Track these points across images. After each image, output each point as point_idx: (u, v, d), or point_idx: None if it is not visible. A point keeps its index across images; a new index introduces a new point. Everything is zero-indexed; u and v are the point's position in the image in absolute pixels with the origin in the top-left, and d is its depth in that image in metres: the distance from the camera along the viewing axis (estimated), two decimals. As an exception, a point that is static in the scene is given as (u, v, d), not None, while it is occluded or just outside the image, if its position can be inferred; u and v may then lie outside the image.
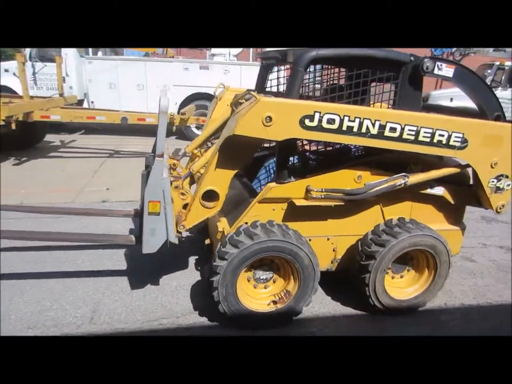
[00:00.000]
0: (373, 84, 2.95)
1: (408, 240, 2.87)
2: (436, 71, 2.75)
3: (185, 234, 3.30)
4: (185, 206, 2.93)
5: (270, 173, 3.60)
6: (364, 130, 2.55)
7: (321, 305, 3.26)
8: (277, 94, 3.30)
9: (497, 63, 11.45)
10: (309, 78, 3.50)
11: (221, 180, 2.74)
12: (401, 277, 3.22)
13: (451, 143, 2.71)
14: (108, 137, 9.94)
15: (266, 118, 2.40)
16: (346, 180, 2.84)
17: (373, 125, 2.55)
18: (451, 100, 10.73)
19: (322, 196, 2.75)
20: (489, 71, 11.43)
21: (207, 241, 3.43)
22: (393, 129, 2.59)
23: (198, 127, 9.31)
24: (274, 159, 3.22)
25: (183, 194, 2.98)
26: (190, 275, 3.61)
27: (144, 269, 3.63)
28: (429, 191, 3.03)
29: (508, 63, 11.28)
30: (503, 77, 11.30)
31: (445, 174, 2.94)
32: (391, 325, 3.07)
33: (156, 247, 2.80)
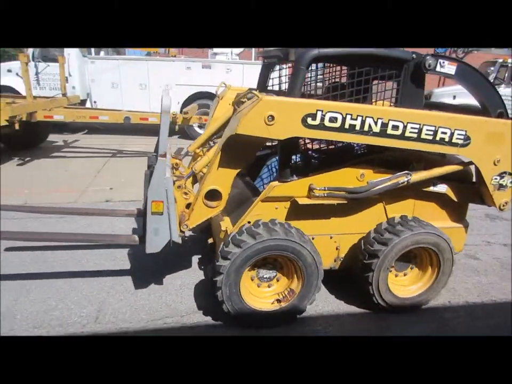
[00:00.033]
0: (375, 81, 2.95)
1: (411, 238, 2.87)
2: (438, 69, 2.74)
3: (188, 233, 3.32)
4: (188, 206, 2.93)
5: (272, 171, 3.60)
6: (366, 128, 2.55)
7: (325, 303, 3.27)
8: (279, 93, 3.30)
9: (500, 60, 11.40)
10: (310, 77, 3.51)
11: (224, 179, 2.74)
12: (405, 274, 3.22)
13: (454, 140, 2.71)
14: (110, 137, 9.96)
15: (268, 117, 2.40)
16: (349, 178, 2.84)
17: (375, 123, 2.55)
18: (454, 97, 10.69)
19: (325, 194, 2.76)
20: (492, 68, 11.39)
21: (210, 241, 3.43)
22: (395, 127, 2.59)
23: (200, 126, 9.32)
24: (277, 157, 3.22)
25: (186, 193, 2.99)
26: (194, 274, 3.63)
27: (148, 269, 3.65)
28: (431, 188, 3.03)
29: (511, 60, 11.23)
30: (506, 74, 11.25)
31: (447, 172, 2.94)
32: (395, 323, 3.07)
33: (159, 247, 2.80)
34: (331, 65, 3.47)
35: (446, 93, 11.17)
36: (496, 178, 2.94)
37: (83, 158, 8.06)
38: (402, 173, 2.83)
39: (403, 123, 2.59)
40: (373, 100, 3.08)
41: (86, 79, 10.12)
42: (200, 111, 8.93)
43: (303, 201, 2.78)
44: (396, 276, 3.18)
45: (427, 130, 2.64)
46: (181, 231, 2.85)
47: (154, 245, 2.79)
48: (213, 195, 2.77)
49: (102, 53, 11.03)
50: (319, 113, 2.46)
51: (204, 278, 3.56)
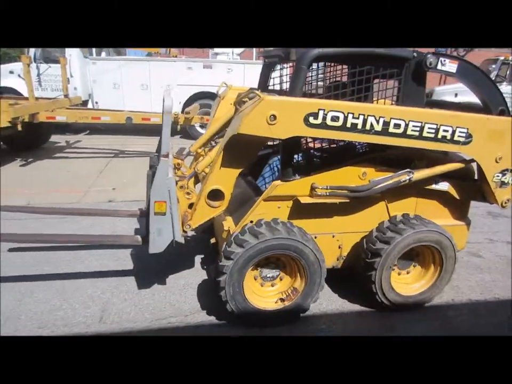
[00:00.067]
0: (376, 80, 2.95)
1: (413, 236, 2.88)
2: (439, 67, 2.74)
3: (190, 233, 3.32)
4: (190, 206, 2.93)
5: (274, 170, 3.61)
6: (368, 127, 2.55)
7: (328, 302, 3.27)
8: (280, 92, 3.30)
9: (502, 58, 11.36)
10: (311, 76, 3.51)
11: (226, 179, 2.74)
12: (408, 272, 3.22)
13: (455, 138, 2.71)
14: (112, 137, 9.99)
15: (270, 116, 2.40)
16: (351, 176, 2.84)
17: (377, 121, 2.55)
18: (455, 95, 10.67)
19: (327, 193, 2.76)
20: (493, 66, 11.36)
21: (213, 240, 3.44)
22: (397, 126, 2.59)
23: (202, 126, 9.34)
24: (279, 156, 3.23)
25: (188, 193, 2.99)
26: (197, 274, 3.64)
27: (151, 269, 3.66)
28: (433, 186, 3.03)
29: (512, 58, 11.21)
30: (507, 72, 11.21)
31: (449, 170, 2.94)
32: (398, 321, 3.08)
33: (162, 247, 2.81)
34: (332, 64, 3.47)
35: (447, 91, 11.14)
36: (498, 176, 2.94)
37: (85, 158, 8.09)
38: (404, 171, 2.83)
39: (405, 121, 2.59)
40: (374, 99, 3.09)
41: (87, 80, 10.16)
42: (202, 111, 8.95)
43: (305, 200, 2.78)
44: (399, 274, 3.19)
45: (429, 128, 2.64)
46: (183, 231, 2.85)
47: (157, 245, 2.80)
48: (215, 195, 2.78)
49: (103, 54, 11.05)
50: (321, 112, 2.47)
51: (207, 277, 3.58)
